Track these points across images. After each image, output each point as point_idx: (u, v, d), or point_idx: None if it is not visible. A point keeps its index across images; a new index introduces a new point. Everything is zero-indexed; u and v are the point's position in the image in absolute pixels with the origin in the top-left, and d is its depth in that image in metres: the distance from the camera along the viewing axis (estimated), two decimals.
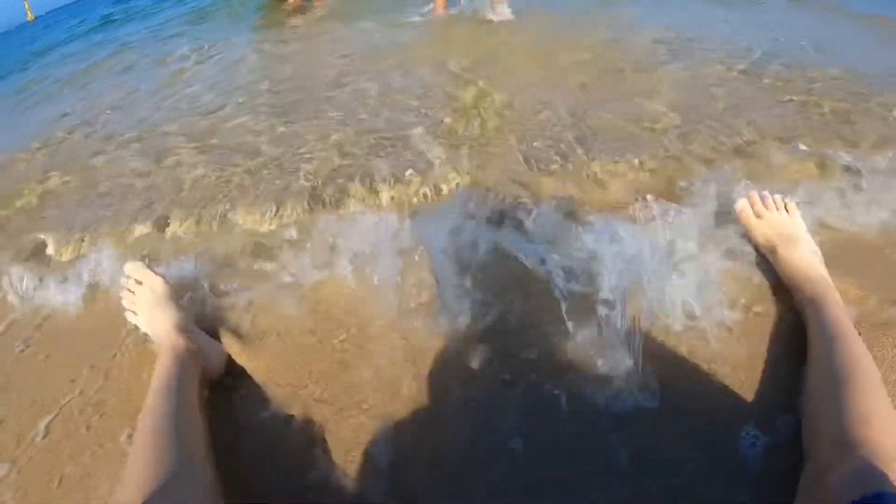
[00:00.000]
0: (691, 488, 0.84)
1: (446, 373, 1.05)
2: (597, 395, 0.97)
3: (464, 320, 1.13)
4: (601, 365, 1.01)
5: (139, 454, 0.84)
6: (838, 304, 1.02)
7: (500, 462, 0.91)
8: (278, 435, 1.00)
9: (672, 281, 1.14)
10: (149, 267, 1.23)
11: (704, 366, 1.00)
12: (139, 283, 1.21)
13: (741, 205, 1.21)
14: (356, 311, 1.21)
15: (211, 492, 0.83)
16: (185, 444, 0.88)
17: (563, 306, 1.11)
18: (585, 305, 1.11)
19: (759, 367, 0.99)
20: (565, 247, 1.24)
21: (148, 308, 1.18)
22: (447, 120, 1.96)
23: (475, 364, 1.05)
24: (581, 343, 1.05)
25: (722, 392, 0.96)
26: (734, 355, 1.01)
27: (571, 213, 1.38)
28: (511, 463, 0.90)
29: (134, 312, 1.20)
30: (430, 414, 0.99)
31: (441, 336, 1.11)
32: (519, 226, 1.36)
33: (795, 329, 1.04)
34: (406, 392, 1.03)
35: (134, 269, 1.23)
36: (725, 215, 1.27)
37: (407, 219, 1.43)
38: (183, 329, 1.12)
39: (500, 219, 1.39)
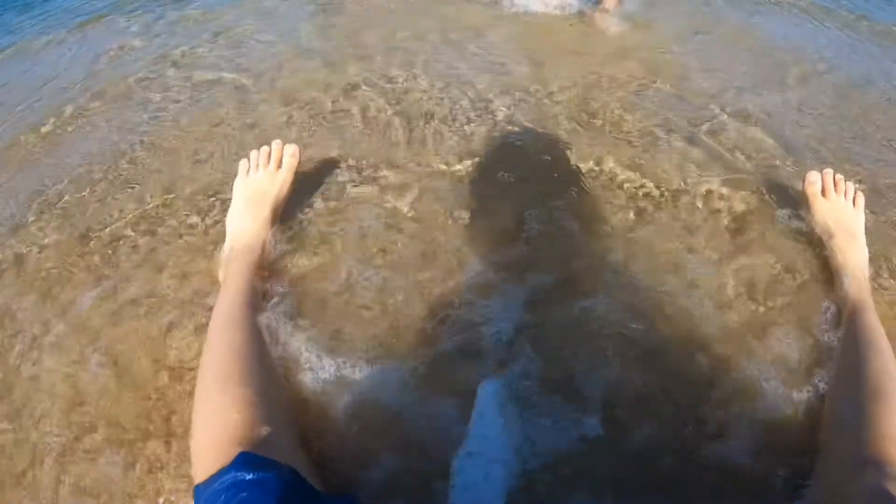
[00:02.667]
0: None
1: None
2: None
3: None
4: None
5: (220, 390, 0.76)
6: (874, 312, 0.99)
7: None
8: None
9: None
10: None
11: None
12: (279, 166, 1.10)
13: (812, 178, 1.15)
14: None
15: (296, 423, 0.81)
16: (267, 379, 0.81)
17: None
18: None
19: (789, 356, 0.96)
20: None
21: (259, 195, 1.08)
22: None
23: None
24: None
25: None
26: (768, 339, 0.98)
27: None
28: None
29: (242, 183, 1.10)
30: None
31: None
32: None
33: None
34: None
35: (292, 153, 1.12)
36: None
37: None
38: (264, 245, 1.04)
39: None
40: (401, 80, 1.61)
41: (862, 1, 2.24)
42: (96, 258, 1.11)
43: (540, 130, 1.41)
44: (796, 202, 1.19)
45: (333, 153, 1.34)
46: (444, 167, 1.30)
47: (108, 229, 1.17)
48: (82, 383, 0.90)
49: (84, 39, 2.03)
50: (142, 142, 1.41)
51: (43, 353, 0.95)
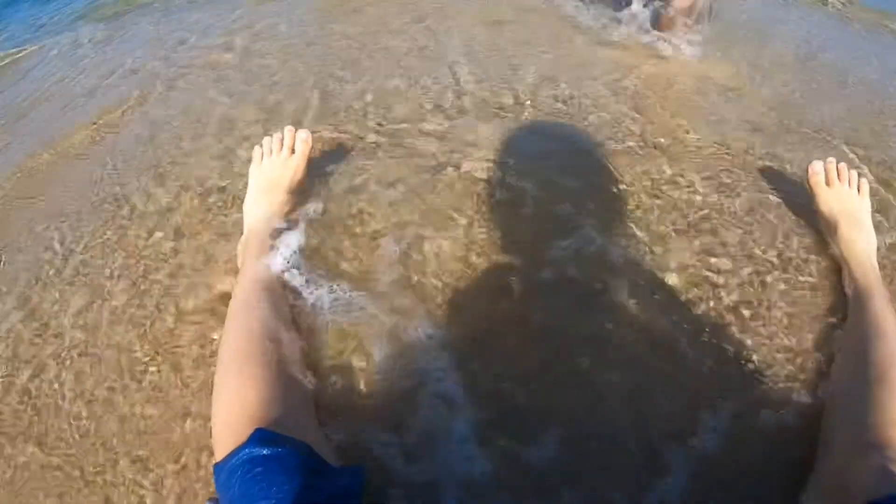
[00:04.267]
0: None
1: None
2: None
3: None
4: None
5: (237, 372, 0.79)
6: (885, 298, 0.99)
7: None
8: None
9: None
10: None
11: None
12: (291, 152, 1.13)
13: (816, 168, 1.15)
14: None
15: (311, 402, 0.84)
16: (283, 360, 0.83)
17: None
18: None
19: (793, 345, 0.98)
20: None
21: (273, 181, 1.11)
22: None
23: None
24: None
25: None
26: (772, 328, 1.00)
27: None
28: None
29: (257, 169, 1.14)
30: None
31: None
32: None
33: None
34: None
35: (304, 139, 1.14)
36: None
37: None
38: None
39: None
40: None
41: None
42: None
43: None
44: (802, 192, 1.20)
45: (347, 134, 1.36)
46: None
47: None
48: None
49: None
50: None
51: None
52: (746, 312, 1.01)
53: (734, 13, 2.03)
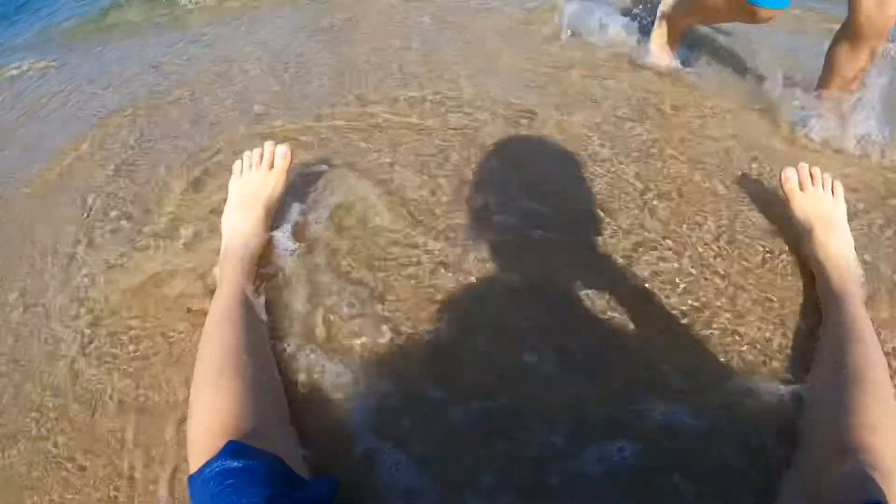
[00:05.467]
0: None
1: None
2: None
3: None
4: None
5: (212, 385, 0.81)
6: (862, 301, 1.00)
7: None
8: None
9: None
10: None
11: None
12: (271, 167, 1.15)
13: (788, 174, 1.16)
14: None
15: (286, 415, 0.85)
16: (259, 373, 0.85)
17: None
18: None
19: (769, 346, 0.98)
20: None
21: (252, 195, 1.13)
22: None
23: None
24: None
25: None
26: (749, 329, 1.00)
27: None
28: None
29: (236, 184, 1.16)
30: None
31: None
32: None
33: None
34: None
35: (283, 154, 1.16)
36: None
37: None
38: (259, 244, 1.09)
39: None
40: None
41: None
42: None
43: None
44: (778, 200, 1.21)
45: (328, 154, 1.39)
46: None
47: None
48: None
49: None
50: None
51: None
52: (727, 315, 1.02)
53: None
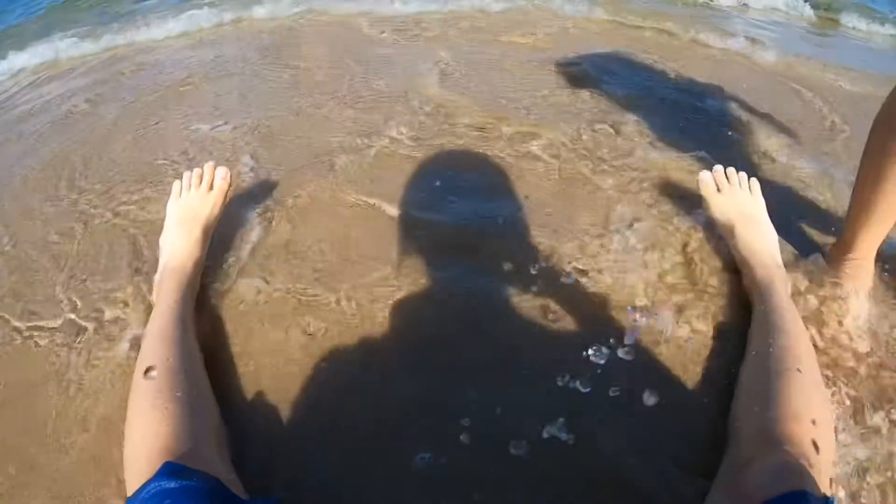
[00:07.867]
0: None
1: None
2: None
3: None
4: None
5: (149, 406, 0.81)
6: (787, 292, 1.02)
7: None
8: None
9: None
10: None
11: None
12: (210, 188, 1.15)
13: (705, 176, 1.19)
14: None
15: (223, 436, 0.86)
16: (196, 394, 0.85)
17: None
18: None
19: (699, 349, 1.01)
20: None
21: (191, 216, 1.13)
22: None
23: None
24: None
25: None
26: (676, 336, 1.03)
27: None
28: None
29: (175, 204, 1.15)
30: None
31: None
32: None
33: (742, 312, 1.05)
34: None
35: (223, 176, 1.17)
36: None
37: None
38: (196, 265, 1.09)
39: None
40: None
41: None
42: None
43: None
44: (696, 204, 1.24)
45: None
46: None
47: None
48: None
49: None
50: None
51: None
52: (666, 314, 1.06)
53: None
